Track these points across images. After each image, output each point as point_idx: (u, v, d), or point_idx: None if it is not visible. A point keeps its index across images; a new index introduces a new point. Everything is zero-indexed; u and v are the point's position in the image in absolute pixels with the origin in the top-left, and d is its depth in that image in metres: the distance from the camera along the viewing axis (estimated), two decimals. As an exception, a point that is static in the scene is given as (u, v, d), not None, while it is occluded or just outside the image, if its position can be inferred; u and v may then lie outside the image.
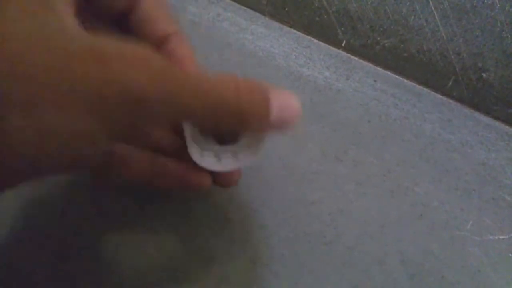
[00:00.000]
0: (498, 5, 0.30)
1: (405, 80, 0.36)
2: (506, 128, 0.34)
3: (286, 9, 0.38)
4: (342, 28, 0.36)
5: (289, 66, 0.35)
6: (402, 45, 0.35)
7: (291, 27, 0.38)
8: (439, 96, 0.35)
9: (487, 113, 0.35)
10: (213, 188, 0.28)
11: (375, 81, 0.35)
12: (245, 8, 0.39)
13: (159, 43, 0.23)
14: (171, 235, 0.26)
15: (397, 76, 0.36)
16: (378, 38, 0.36)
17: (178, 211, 0.26)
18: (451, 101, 0.35)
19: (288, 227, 0.27)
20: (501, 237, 0.28)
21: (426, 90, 0.36)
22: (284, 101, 0.20)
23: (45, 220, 0.25)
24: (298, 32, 0.38)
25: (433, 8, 0.33)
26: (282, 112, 0.20)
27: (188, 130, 0.22)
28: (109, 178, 0.24)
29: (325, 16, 0.36)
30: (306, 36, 0.38)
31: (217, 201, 0.27)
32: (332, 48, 0.37)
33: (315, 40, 0.38)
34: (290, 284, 0.25)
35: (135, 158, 0.23)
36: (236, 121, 0.19)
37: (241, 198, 0.28)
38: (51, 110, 0.15)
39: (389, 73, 0.36)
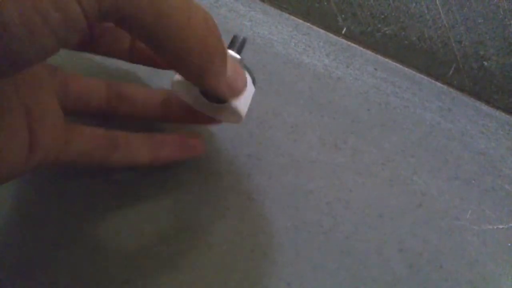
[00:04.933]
0: (501, -8, 0.30)
1: (406, 68, 0.35)
2: (506, 117, 0.34)
3: (285, -5, 0.37)
4: (342, 15, 0.36)
5: (288, 54, 0.35)
6: (402, 33, 0.35)
7: (290, 13, 0.38)
8: (440, 84, 0.35)
9: (488, 102, 0.34)
10: (211, 177, 0.27)
11: (375, 69, 0.35)
12: (243, -7, 0.38)
13: None
14: (170, 224, 0.25)
15: (397, 64, 0.36)
16: (379, 25, 0.35)
17: (176, 199, 0.26)
18: (451, 89, 0.35)
19: (286, 216, 0.26)
20: (500, 226, 0.28)
21: (426, 78, 0.35)
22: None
23: (42, 208, 0.25)
24: (297, 19, 0.37)
25: (435, -5, 0.32)
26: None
27: (179, 85, 0.24)
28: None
29: (325, 3, 0.36)
30: (305, 22, 0.37)
31: (215, 190, 0.27)
32: (331, 35, 0.37)
33: (314, 27, 0.37)
34: (288, 272, 0.25)
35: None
36: (199, 59, 0.18)
37: (239, 187, 0.27)
38: None
39: (389, 61, 0.36)
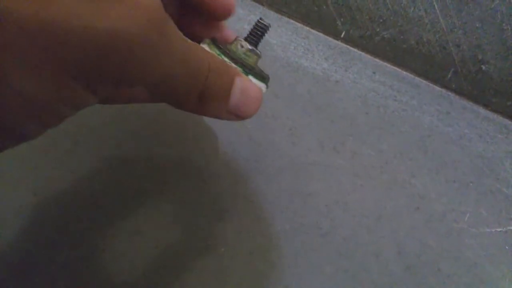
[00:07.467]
0: (499, -4, 0.30)
1: (404, 72, 0.36)
2: (504, 121, 0.34)
3: (285, -1, 0.37)
4: (341, 19, 0.36)
5: (287, 57, 0.35)
6: (401, 36, 0.35)
7: (289, 17, 0.38)
8: (438, 88, 0.35)
9: (486, 105, 0.34)
10: (210, 180, 0.28)
11: (373, 72, 0.35)
12: (243, -3, 0.39)
13: None
14: (168, 226, 0.25)
15: (396, 68, 0.36)
16: (377, 29, 0.35)
17: (175, 201, 0.26)
18: (450, 93, 0.35)
19: (284, 219, 0.27)
20: (498, 229, 0.28)
21: (424, 82, 0.35)
22: (247, 85, 0.20)
23: (42, 208, 0.25)
24: (296, 23, 0.38)
25: (433, -1, 0.32)
26: (242, 95, 0.20)
27: None
28: None
29: (324, 7, 0.36)
30: (304, 26, 0.37)
31: (214, 192, 0.27)
32: (330, 39, 0.37)
33: (313, 31, 0.37)
34: (287, 275, 0.25)
35: None
36: (194, 99, 0.18)
37: (238, 190, 0.27)
38: (17, 74, 0.12)
39: (388, 64, 0.36)
